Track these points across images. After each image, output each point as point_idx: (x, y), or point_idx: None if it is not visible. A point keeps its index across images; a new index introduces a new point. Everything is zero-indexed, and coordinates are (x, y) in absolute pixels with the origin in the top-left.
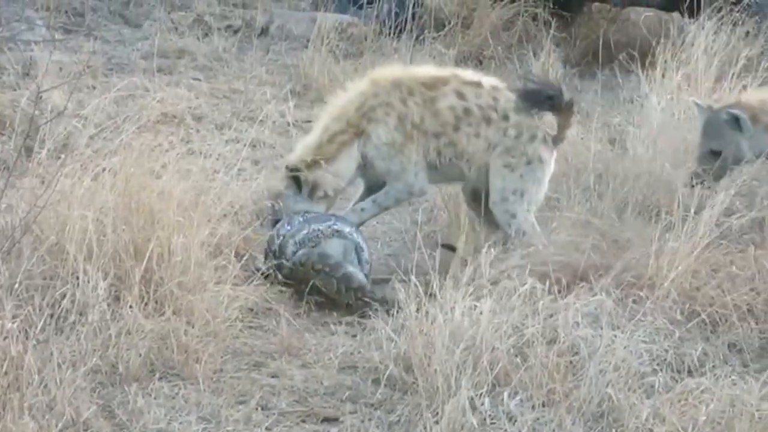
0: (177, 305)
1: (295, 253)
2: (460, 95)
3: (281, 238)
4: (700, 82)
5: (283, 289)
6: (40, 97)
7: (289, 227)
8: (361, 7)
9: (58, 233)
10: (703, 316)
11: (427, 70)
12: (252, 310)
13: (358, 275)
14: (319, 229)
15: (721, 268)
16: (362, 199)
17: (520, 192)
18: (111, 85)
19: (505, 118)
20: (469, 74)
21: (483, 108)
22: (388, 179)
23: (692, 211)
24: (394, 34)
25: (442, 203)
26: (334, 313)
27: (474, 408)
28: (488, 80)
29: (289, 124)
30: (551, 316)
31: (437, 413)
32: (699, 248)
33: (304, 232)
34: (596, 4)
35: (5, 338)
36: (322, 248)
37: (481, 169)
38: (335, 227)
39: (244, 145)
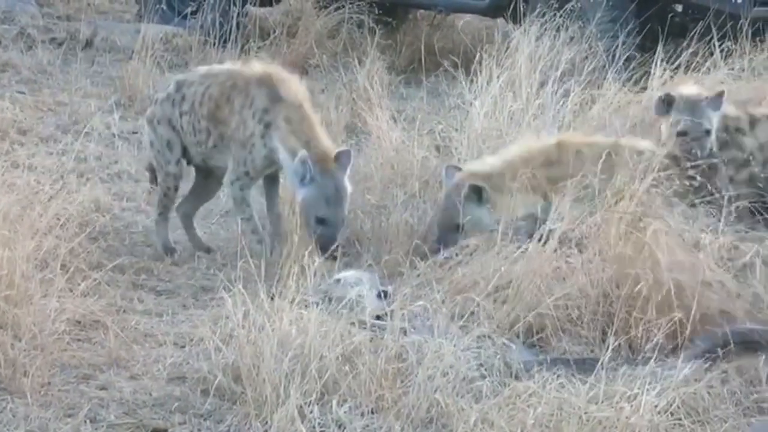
0: (3, 319)
1: None
2: None
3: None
4: (524, 87)
5: (111, 301)
6: None
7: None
8: (185, 17)
9: None
10: (531, 321)
11: None
12: (79, 322)
13: None
14: None
15: (551, 276)
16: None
17: None
18: None
19: None
20: None
21: None
22: None
23: None
24: (219, 44)
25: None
26: (162, 325)
27: (303, 416)
28: None
29: (114, 136)
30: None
31: (266, 422)
32: (521, 255)
33: None
34: (421, 11)
35: None
36: None
37: None
38: None
39: (70, 158)
